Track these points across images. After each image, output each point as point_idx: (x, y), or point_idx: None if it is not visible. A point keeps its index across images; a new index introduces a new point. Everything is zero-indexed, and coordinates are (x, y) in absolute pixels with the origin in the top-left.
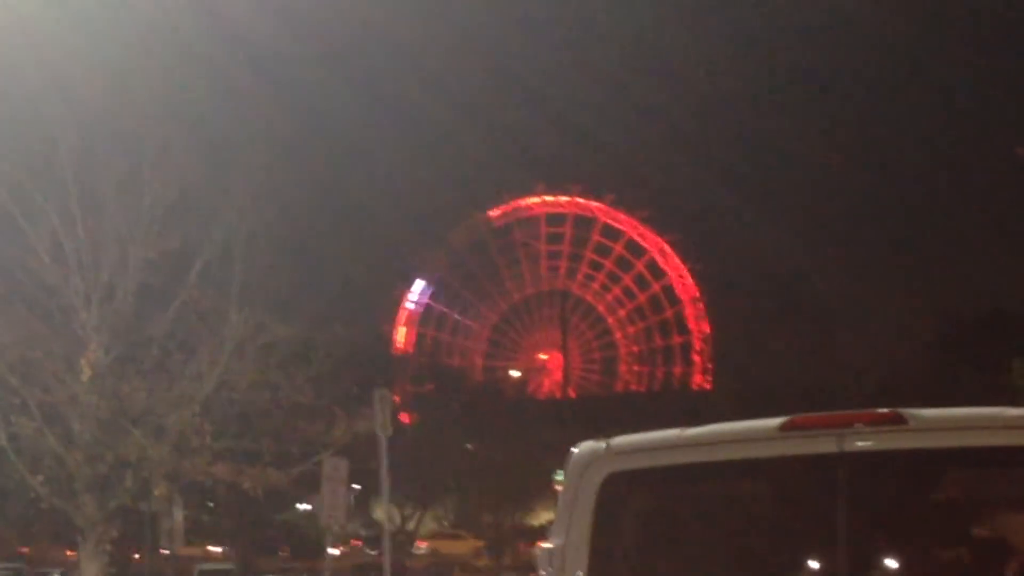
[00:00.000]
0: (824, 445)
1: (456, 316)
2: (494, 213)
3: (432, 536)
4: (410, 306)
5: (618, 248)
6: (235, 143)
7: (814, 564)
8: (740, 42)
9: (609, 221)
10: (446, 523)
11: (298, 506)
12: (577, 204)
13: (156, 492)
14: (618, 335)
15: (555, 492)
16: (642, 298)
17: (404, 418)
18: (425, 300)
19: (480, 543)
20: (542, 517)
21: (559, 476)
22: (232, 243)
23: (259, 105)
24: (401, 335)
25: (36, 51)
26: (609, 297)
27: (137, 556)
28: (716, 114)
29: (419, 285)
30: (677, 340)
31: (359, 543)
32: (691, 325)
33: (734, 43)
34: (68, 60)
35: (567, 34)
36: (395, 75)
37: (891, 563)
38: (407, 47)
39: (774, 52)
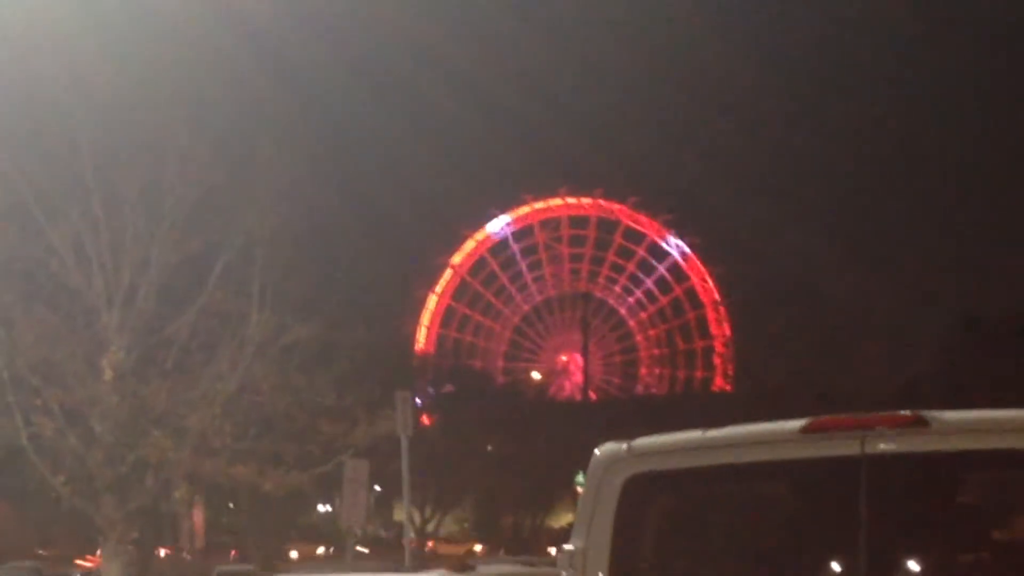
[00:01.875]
0: (846, 447)
1: (477, 317)
2: (517, 215)
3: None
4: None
5: (640, 251)
6: (257, 145)
7: (835, 566)
8: (763, 47)
9: (631, 224)
10: (466, 525)
11: (319, 507)
12: (600, 206)
13: (176, 493)
14: (639, 338)
15: (576, 494)
16: (664, 301)
17: (425, 420)
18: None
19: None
20: (563, 519)
21: (580, 478)
22: (254, 244)
23: (281, 107)
24: (422, 336)
25: (59, 54)
26: (631, 300)
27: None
28: (739, 117)
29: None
30: (699, 344)
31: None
32: (712, 329)
33: (757, 48)
34: (91, 62)
35: (592, 38)
36: (418, 77)
37: (912, 566)
38: (431, 50)
39: (799, 57)
